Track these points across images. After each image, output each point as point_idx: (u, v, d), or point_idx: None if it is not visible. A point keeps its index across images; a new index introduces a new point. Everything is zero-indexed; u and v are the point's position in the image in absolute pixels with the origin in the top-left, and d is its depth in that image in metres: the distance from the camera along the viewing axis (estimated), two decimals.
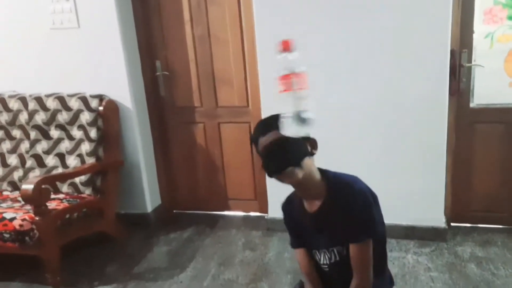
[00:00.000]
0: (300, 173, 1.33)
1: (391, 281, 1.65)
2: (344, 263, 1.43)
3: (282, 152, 1.32)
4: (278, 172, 1.33)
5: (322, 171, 1.45)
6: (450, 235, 2.79)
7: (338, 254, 1.44)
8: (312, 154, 1.39)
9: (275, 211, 3.05)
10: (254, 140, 1.39)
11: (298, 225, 1.51)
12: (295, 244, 1.58)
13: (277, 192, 2.98)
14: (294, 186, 1.41)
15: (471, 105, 2.71)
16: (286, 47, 1.53)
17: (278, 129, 1.33)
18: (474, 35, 2.60)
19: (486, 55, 2.61)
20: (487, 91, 2.68)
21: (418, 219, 2.78)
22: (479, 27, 2.59)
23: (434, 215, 2.75)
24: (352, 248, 1.40)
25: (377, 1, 2.52)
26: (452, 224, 2.88)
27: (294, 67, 1.51)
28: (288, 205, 1.57)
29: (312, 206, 1.43)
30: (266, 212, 3.11)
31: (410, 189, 2.73)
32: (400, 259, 2.59)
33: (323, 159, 2.89)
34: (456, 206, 2.87)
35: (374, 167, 2.76)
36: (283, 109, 1.40)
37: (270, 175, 1.35)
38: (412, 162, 2.69)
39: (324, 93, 2.72)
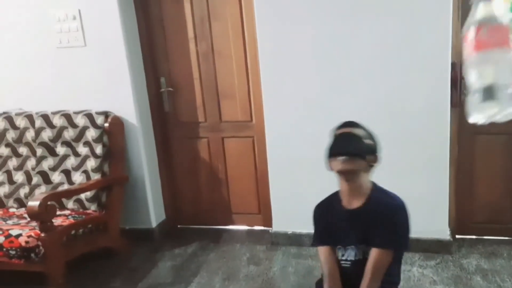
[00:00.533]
0: (360, 164, 1.51)
1: None
2: (358, 266, 1.51)
3: (355, 141, 1.52)
4: (345, 152, 1.49)
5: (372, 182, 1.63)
6: (455, 247, 2.78)
7: (363, 253, 1.52)
8: (373, 163, 1.58)
9: (279, 225, 3.06)
10: (335, 129, 1.60)
11: (330, 220, 1.60)
12: (321, 241, 1.63)
13: (281, 205, 3.02)
14: (346, 175, 1.53)
15: None
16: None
17: (354, 126, 1.59)
18: None
19: None
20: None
21: (422, 232, 2.76)
22: None
23: (439, 227, 2.75)
24: (374, 252, 1.47)
25: (378, 15, 2.56)
26: (457, 236, 2.87)
27: (496, 17, 0.99)
28: (322, 204, 1.71)
29: (351, 202, 1.55)
30: (270, 226, 3.11)
31: (414, 201, 2.69)
32: (406, 272, 2.58)
33: (325, 172, 2.90)
34: (461, 218, 2.87)
35: (377, 179, 2.75)
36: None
37: (336, 154, 1.51)
38: (415, 174, 2.70)
39: (324, 105, 2.75)
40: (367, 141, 1.57)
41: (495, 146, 2.75)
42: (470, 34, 1.06)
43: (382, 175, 2.79)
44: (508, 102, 1.00)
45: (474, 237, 2.89)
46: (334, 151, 1.53)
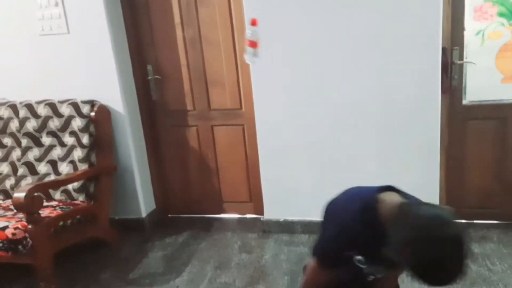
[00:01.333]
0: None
1: None
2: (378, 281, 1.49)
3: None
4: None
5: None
6: None
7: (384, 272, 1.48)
8: None
9: (270, 213, 3.05)
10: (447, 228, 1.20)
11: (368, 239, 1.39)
12: (331, 264, 1.48)
13: (272, 193, 3.00)
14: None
15: (464, 102, 2.72)
16: (253, 23, 2.57)
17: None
18: (465, 33, 2.61)
19: (478, 52, 2.62)
20: (479, 88, 2.69)
21: None
22: (470, 24, 2.59)
23: None
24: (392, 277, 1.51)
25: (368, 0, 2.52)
26: None
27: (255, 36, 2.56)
28: (367, 220, 1.41)
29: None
30: (262, 214, 3.09)
31: (404, 187, 2.70)
32: None
33: (316, 159, 2.89)
34: (451, 203, 2.87)
35: (367, 166, 2.75)
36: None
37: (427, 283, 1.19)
38: (405, 160, 2.69)
39: (314, 92, 2.72)
40: None
41: (485, 131, 2.74)
42: None
43: (372, 162, 2.81)
44: None
45: (464, 221, 2.90)
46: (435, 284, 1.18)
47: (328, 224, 1.53)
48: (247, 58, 2.59)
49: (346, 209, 1.43)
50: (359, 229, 1.36)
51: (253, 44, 2.55)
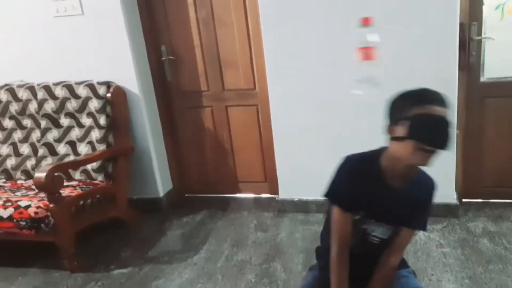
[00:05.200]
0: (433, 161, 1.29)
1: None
2: (385, 244, 1.45)
3: (449, 133, 1.24)
4: (436, 146, 1.23)
5: None
6: (461, 211, 2.79)
7: (391, 233, 1.44)
8: None
9: (285, 193, 3.07)
10: (414, 100, 1.27)
11: (368, 191, 1.38)
12: (344, 204, 1.41)
13: (287, 173, 3.02)
14: (408, 166, 1.31)
15: (482, 79, 2.67)
16: (366, 22, 1.80)
17: (448, 107, 1.26)
18: (484, 7, 2.55)
19: (497, 27, 2.56)
20: (498, 64, 2.63)
21: None
22: None
23: (446, 192, 2.74)
24: (407, 232, 1.44)
25: None
26: (463, 200, 2.88)
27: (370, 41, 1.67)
28: (359, 166, 1.42)
29: (396, 181, 1.37)
30: (277, 193, 3.12)
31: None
32: None
33: (330, 138, 2.87)
34: (468, 182, 2.86)
35: (382, 144, 2.74)
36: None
37: (422, 141, 1.23)
38: None
39: (328, 72, 2.70)
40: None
41: (504, 109, 2.70)
42: None
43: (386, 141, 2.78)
44: None
45: (481, 200, 2.89)
46: (430, 140, 1.23)
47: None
48: (362, 82, 1.68)
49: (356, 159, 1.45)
50: (361, 177, 1.40)
51: (369, 55, 1.66)
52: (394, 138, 1.31)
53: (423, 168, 1.37)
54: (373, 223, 1.43)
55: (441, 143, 1.23)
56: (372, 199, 1.39)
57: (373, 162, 1.39)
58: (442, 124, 1.23)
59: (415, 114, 1.23)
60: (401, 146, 1.28)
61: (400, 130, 1.27)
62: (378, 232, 1.44)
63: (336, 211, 1.43)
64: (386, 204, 1.39)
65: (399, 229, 1.44)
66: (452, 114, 1.29)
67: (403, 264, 1.56)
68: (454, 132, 1.25)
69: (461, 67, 2.57)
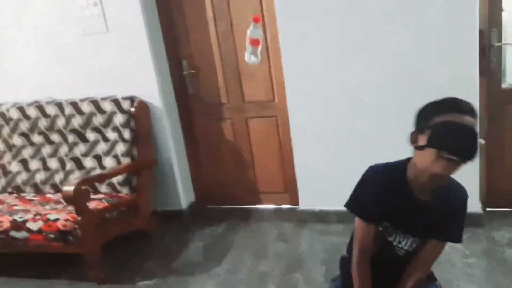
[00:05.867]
0: (456, 171, 1.25)
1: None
2: (411, 256, 1.42)
3: (473, 142, 1.20)
4: (458, 154, 1.19)
5: None
6: (486, 220, 2.73)
7: (417, 245, 1.41)
8: None
9: (305, 203, 3.08)
10: (439, 108, 1.25)
11: (390, 201, 1.36)
12: (371, 217, 1.39)
13: (307, 183, 3.02)
14: (443, 178, 1.27)
15: (503, 85, 2.64)
16: (256, 20, 2.32)
17: (476, 116, 1.23)
18: (504, 13, 2.52)
19: None
20: None
21: None
22: (509, 5, 2.50)
23: (469, 201, 2.67)
24: (436, 244, 1.40)
25: None
26: (488, 209, 2.82)
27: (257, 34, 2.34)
28: (385, 178, 1.40)
29: (423, 194, 1.35)
30: (297, 204, 3.13)
31: None
32: None
33: (350, 148, 2.87)
34: (492, 191, 2.80)
35: (405, 153, 2.72)
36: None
37: (444, 149, 1.19)
38: None
39: (347, 81, 2.71)
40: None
41: None
42: None
43: (409, 150, 2.76)
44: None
45: (506, 209, 2.82)
46: (452, 148, 1.19)
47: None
48: (247, 57, 2.38)
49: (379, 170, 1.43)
50: (386, 189, 1.37)
51: (255, 43, 2.32)
52: (416, 147, 1.29)
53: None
54: (399, 235, 1.40)
55: (463, 152, 1.19)
56: (398, 211, 1.36)
57: (398, 173, 1.37)
58: (464, 132, 1.18)
59: (437, 122, 1.21)
60: (423, 155, 1.25)
61: (423, 139, 1.24)
62: (404, 243, 1.41)
63: (358, 221, 1.42)
64: (413, 217, 1.36)
65: (427, 241, 1.40)
66: (477, 124, 1.24)
67: (431, 277, 1.52)
68: (478, 142, 1.23)
69: (482, 74, 2.54)
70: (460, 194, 1.39)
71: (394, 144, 2.73)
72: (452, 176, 1.30)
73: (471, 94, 2.52)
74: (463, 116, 1.20)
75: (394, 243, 1.42)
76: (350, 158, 2.82)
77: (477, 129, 1.22)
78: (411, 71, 2.59)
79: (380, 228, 1.40)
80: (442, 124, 1.20)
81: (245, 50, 2.37)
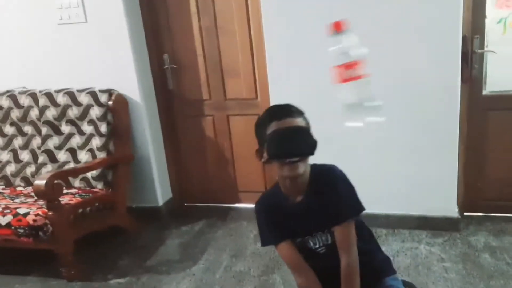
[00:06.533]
0: (303, 167, 1.33)
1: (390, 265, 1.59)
2: (335, 249, 1.42)
3: (304, 136, 1.32)
4: (289, 157, 1.30)
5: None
6: (463, 225, 2.76)
7: (330, 236, 1.43)
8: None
9: None
10: (264, 122, 1.34)
11: (281, 218, 1.44)
12: (277, 239, 1.46)
13: None
14: (296, 178, 1.36)
15: (484, 92, 2.67)
16: (337, 28, 1.43)
17: (294, 115, 1.34)
18: (486, 21, 2.55)
19: (499, 41, 2.56)
20: (500, 78, 2.63)
21: (430, 209, 2.75)
22: (491, 12, 2.53)
23: (447, 205, 2.73)
24: (337, 230, 1.40)
25: None
26: (465, 213, 2.85)
27: (351, 52, 1.38)
28: (265, 202, 1.51)
29: (296, 195, 1.43)
30: None
31: (422, 178, 2.71)
32: (413, 249, 2.58)
33: (329, 149, 2.86)
34: (469, 195, 2.84)
35: (384, 157, 2.73)
36: (345, 98, 1.45)
37: (285, 157, 1.30)
38: (423, 151, 2.66)
39: (332, 81, 2.69)
40: (309, 134, 1.35)
41: (506, 122, 2.69)
42: None
43: (389, 152, 2.78)
44: None
45: (482, 214, 2.86)
46: (281, 154, 1.30)
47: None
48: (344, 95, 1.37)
49: None
50: (271, 209, 1.48)
51: (352, 73, 1.26)
52: (265, 162, 1.38)
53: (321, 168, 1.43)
54: (310, 238, 1.45)
55: (294, 152, 1.30)
56: (290, 221, 1.43)
57: (275, 192, 1.47)
58: (286, 135, 1.30)
59: (267, 135, 1.32)
60: (274, 166, 1.36)
61: (266, 153, 1.35)
62: (319, 243, 1.45)
63: (278, 250, 1.48)
64: (304, 219, 1.43)
65: (333, 234, 1.42)
66: (300, 120, 1.34)
67: (389, 269, 1.52)
68: (307, 134, 1.32)
69: (463, 80, 2.56)
70: (327, 174, 1.43)
71: (374, 147, 2.75)
72: (337, 168, 1.44)
73: (453, 100, 2.55)
74: (283, 121, 1.31)
75: (313, 248, 1.45)
76: (329, 158, 2.80)
77: (301, 124, 1.33)
78: (392, 76, 2.58)
79: (298, 240, 1.45)
80: (269, 136, 1.31)
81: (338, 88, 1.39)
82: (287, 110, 1.35)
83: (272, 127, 1.32)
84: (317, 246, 1.45)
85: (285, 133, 1.30)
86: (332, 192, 1.39)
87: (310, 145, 1.32)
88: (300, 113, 1.38)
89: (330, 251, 1.44)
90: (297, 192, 1.42)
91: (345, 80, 1.42)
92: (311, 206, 1.41)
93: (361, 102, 1.43)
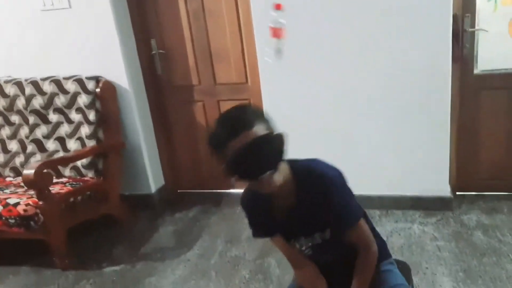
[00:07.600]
0: (278, 178, 1.17)
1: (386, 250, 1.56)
2: (328, 244, 1.36)
3: (258, 156, 1.12)
4: (254, 178, 1.15)
5: (287, 163, 1.29)
6: (455, 204, 2.78)
7: (319, 237, 1.36)
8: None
9: None
10: (219, 143, 1.16)
11: (268, 219, 1.36)
12: (267, 234, 1.42)
13: None
14: (267, 192, 1.22)
15: (475, 71, 2.65)
16: (277, 35, 2.18)
17: (247, 127, 1.13)
18: None
19: (490, 19, 2.53)
20: (492, 56, 2.61)
21: (423, 190, 2.76)
22: None
23: (440, 185, 2.74)
24: (349, 233, 1.33)
25: None
26: (457, 193, 2.87)
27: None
28: (251, 201, 1.38)
29: (283, 202, 1.30)
30: None
31: (415, 159, 2.71)
32: (406, 229, 2.59)
33: (320, 132, 2.85)
34: (462, 175, 2.85)
35: (377, 139, 2.73)
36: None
37: (243, 180, 1.18)
38: (416, 132, 2.66)
39: (322, 62, 2.67)
40: (269, 142, 1.15)
41: (498, 101, 2.68)
42: None
43: (381, 134, 2.77)
44: None
45: (475, 193, 2.88)
46: (247, 177, 1.16)
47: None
48: (268, 53, 1.78)
49: None
50: (255, 204, 1.39)
51: (277, 33, 1.85)
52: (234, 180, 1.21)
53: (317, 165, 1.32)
54: (295, 241, 1.39)
55: (259, 170, 1.13)
56: (277, 225, 1.36)
57: (256, 193, 1.30)
58: (246, 155, 1.11)
59: (225, 159, 1.15)
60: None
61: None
62: (304, 245, 1.38)
63: (272, 242, 1.43)
64: (288, 224, 1.34)
65: (323, 236, 1.35)
66: (254, 132, 1.13)
67: (385, 253, 1.49)
68: (269, 142, 1.16)
69: (454, 59, 2.55)
70: (319, 182, 1.27)
71: (365, 129, 2.74)
72: (320, 165, 1.32)
73: (444, 80, 2.54)
74: (239, 138, 1.11)
75: (300, 249, 1.40)
76: (323, 143, 2.80)
77: (259, 132, 1.13)
78: (383, 56, 2.56)
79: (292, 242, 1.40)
80: (228, 161, 1.15)
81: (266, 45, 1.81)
82: (241, 121, 1.14)
83: (229, 149, 1.13)
84: (303, 248, 1.39)
85: (244, 153, 1.11)
86: (327, 203, 1.26)
87: (275, 154, 1.17)
88: (255, 116, 1.17)
89: (316, 251, 1.39)
90: (286, 198, 1.29)
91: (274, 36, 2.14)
92: (301, 213, 1.30)
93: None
